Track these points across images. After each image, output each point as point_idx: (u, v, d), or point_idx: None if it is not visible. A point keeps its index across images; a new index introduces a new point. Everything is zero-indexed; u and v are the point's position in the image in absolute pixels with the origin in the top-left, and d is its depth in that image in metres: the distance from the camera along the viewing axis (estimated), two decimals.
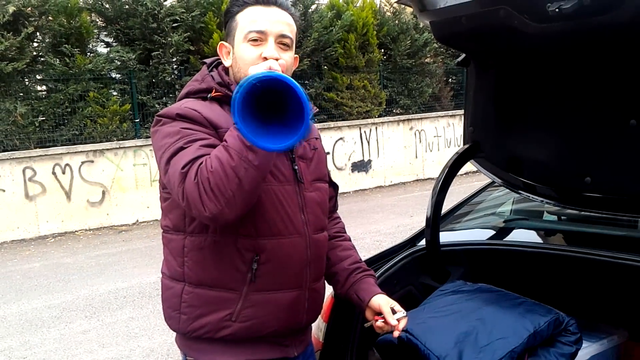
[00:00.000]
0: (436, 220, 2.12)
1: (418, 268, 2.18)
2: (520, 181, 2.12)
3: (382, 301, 1.67)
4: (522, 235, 2.39)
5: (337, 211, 1.93)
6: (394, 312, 1.62)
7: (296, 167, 1.63)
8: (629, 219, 2.25)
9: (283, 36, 1.57)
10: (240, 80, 1.40)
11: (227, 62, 1.63)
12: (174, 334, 1.70)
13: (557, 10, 1.56)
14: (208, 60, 1.70)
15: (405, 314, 1.62)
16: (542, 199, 2.12)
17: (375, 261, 2.11)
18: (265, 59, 1.52)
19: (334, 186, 1.87)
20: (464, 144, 2.20)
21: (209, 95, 1.60)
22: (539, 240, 2.41)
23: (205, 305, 1.58)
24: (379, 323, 1.63)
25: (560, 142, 1.97)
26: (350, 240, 1.89)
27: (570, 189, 1.98)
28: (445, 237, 2.24)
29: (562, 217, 2.54)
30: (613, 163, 1.86)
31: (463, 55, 2.10)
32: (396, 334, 1.62)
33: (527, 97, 1.98)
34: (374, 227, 8.01)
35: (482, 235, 2.45)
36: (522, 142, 2.05)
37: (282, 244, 1.57)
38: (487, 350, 1.72)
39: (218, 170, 1.38)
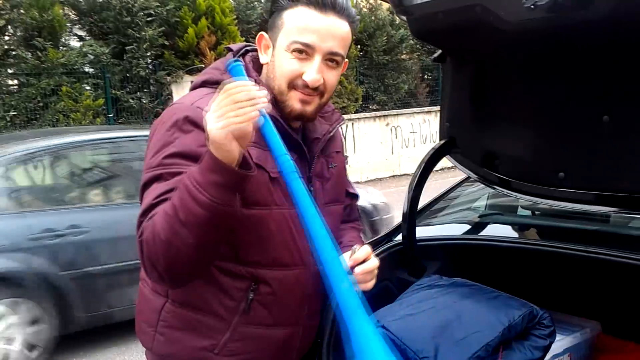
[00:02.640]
0: (412, 215, 2.13)
1: (394, 263, 2.19)
2: (495, 176, 2.14)
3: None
4: (497, 230, 2.42)
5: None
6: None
7: (311, 189, 1.46)
8: (601, 214, 2.28)
9: (333, 53, 1.39)
10: (273, 89, 1.37)
11: (263, 58, 1.45)
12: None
13: (532, 6, 1.58)
14: (235, 47, 1.51)
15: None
16: (516, 194, 2.15)
17: None
18: (305, 82, 1.37)
19: (352, 196, 1.74)
20: (440, 140, 2.21)
21: None
22: (513, 234, 2.44)
23: (186, 330, 1.41)
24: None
25: (535, 137, 1.99)
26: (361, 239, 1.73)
27: (544, 184, 2.01)
28: (421, 232, 2.25)
29: (536, 212, 2.58)
30: (586, 158, 1.88)
31: (439, 52, 2.11)
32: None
33: (502, 93, 2.00)
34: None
35: (457, 230, 2.47)
36: (497, 138, 2.07)
37: (286, 275, 1.42)
38: (463, 344, 1.74)
39: (149, 240, 1.23)
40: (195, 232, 1.20)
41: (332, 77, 1.41)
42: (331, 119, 1.58)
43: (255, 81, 1.34)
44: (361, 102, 12.97)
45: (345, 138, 12.37)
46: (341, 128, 1.65)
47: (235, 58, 1.40)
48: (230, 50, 1.51)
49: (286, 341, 1.47)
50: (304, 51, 1.36)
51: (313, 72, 1.36)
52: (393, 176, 12.91)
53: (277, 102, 1.41)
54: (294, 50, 1.36)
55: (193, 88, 1.47)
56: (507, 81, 1.98)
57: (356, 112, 12.75)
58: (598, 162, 1.85)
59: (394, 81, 13.53)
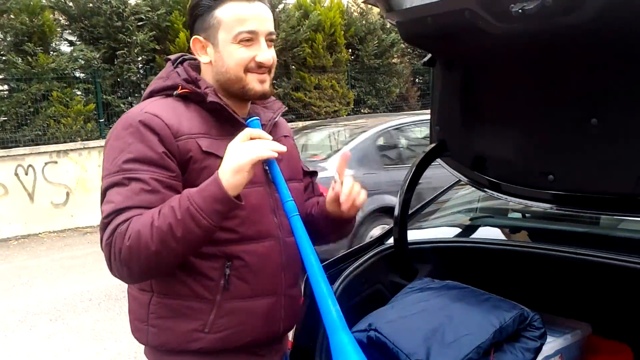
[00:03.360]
0: (404, 218, 2.14)
1: (386, 266, 2.19)
2: (485, 179, 2.15)
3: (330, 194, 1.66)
4: (488, 233, 2.43)
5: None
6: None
7: (266, 168, 1.56)
8: (591, 216, 2.30)
9: (271, 33, 1.55)
10: (228, 79, 1.50)
11: (203, 59, 1.56)
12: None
13: (520, 11, 1.59)
14: (173, 57, 1.65)
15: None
16: (506, 196, 2.16)
17: (344, 260, 2.12)
18: (260, 63, 1.51)
19: (310, 174, 1.85)
20: (431, 143, 2.22)
21: (175, 93, 1.53)
22: (504, 237, 2.46)
23: (174, 317, 1.50)
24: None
25: (524, 140, 2.00)
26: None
27: (533, 187, 2.02)
28: (412, 235, 2.26)
29: (527, 215, 2.59)
30: (575, 161, 1.90)
31: (429, 55, 2.13)
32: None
33: (491, 96, 2.02)
34: None
35: (449, 233, 2.48)
36: (487, 141, 2.09)
37: (256, 248, 1.52)
38: (454, 347, 1.74)
39: (133, 248, 1.35)
40: (187, 247, 1.37)
41: (274, 53, 1.57)
42: (273, 107, 1.71)
43: (196, 79, 1.54)
44: (353, 106, 13.01)
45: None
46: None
47: (254, 118, 1.55)
48: (169, 59, 1.64)
49: (269, 311, 1.56)
50: (250, 38, 1.50)
51: (265, 52, 1.52)
52: None
53: (231, 91, 1.56)
54: (241, 40, 1.49)
55: (143, 99, 1.59)
56: (496, 85, 1.99)
57: (348, 115, 12.78)
58: (586, 164, 1.87)
59: (385, 85, 13.57)
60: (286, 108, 1.79)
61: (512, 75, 1.94)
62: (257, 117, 1.53)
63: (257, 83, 1.54)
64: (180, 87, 1.52)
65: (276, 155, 1.40)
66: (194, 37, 1.56)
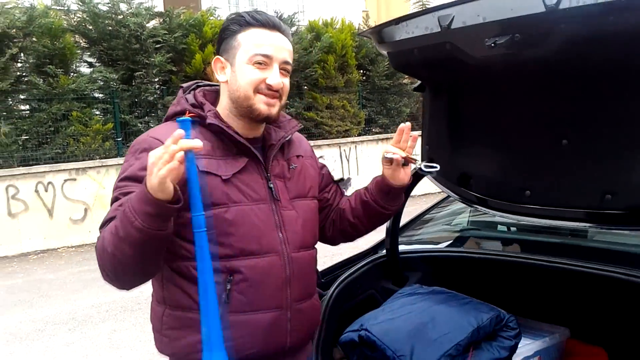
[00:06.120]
0: (395, 229, 2.33)
1: (379, 273, 2.38)
2: (472, 195, 2.34)
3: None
4: (473, 244, 2.61)
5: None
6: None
7: (271, 186, 1.64)
8: (566, 228, 2.48)
9: (286, 63, 1.63)
10: (238, 97, 1.59)
11: (221, 77, 1.65)
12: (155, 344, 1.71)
13: (492, 44, 1.80)
14: (185, 85, 1.75)
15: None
16: (490, 211, 2.35)
17: (340, 267, 2.32)
18: (269, 85, 1.59)
19: (335, 182, 1.95)
20: (421, 161, 2.42)
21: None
22: (490, 248, 2.64)
23: (182, 328, 1.58)
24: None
25: (503, 159, 2.19)
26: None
27: (513, 201, 2.21)
28: (404, 246, 2.45)
29: (511, 228, 2.77)
30: (549, 178, 2.08)
31: (419, 82, 2.34)
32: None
33: (473, 119, 2.21)
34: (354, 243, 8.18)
35: (437, 243, 2.67)
36: (471, 160, 2.27)
37: (257, 263, 1.57)
38: (435, 344, 1.93)
39: (99, 250, 1.46)
40: (132, 248, 1.39)
41: (287, 82, 1.65)
42: (287, 126, 1.78)
43: (201, 104, 1.63)
44: (364, 125, 13.21)
45: (348, 160, 12.58)
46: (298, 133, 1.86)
47: (185, 117, 1.46)
48: (181, 87, 1.74)
49: (273, 324, 1.59)
50: (264, 62, 1.59)
51: (275, 76, 1.60)
52: None
53: (240, 109, 1.63)
54: (255, 63, 1.59)
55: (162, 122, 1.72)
56: (476, 108, 2.19)
57: (359, 135, 12.99)
58: (559, 181, 2.05)
59: (395, 105, 13.78)
60: (301, 126, 1.88)
61: (490, 100, 2.14)
62: (188, 118, 1.42)
63: (263, 105, 1.60)
64: (187, 112, 1.60)
65: (174, 163, 1.31)
66: (216, 57, 1.66)
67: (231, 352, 1.47)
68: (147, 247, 1.40)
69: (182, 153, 1.32)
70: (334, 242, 1.95)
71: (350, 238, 1.96)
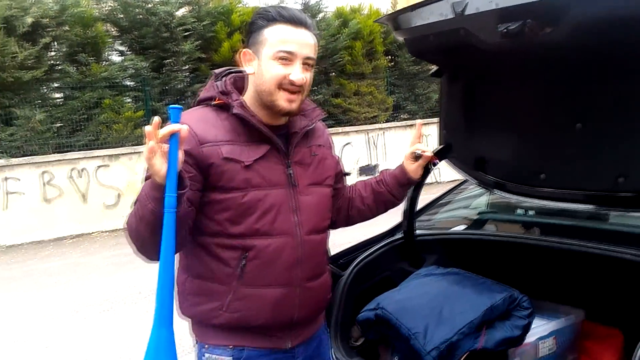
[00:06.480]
0: (412, 212, 2.39)
1: (396, 255, 2.44)
2: (488, 179, 2.38)
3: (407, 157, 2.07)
4: (491, 227, 2.65)
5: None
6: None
7: (291, 172, 1.73)
8: (582, 211, 2.50)
9: (309, 58, 1.69)
10: (263, 91, 1.68)
11: (248, 69, 1.72)
12: (185, 325, 1.84)
13: (505, 30, 1.83)
14: (217, 70, 1.83)
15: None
16: (509, 194, 2.38)
17: (358, 249, 2.38)
18: (292, 81, 1.66)
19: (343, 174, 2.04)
20: (439, 145, 2.47)
21: (212, 103, 1.72)
22: (507, 231, 2.68)
23: (201, 295, 1.73)
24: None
25: (519, 143, 2.22)
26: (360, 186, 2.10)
27: (528, 185, 2.24)
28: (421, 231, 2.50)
29: (528, 211, 2.80)
30: (563, 161, 2.11)
31: (436, 67, 2.38)
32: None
33: (487, 103, 2.25)
34: (377, 228, 8.25)
35: (454, 226, 2.72)
36: (486, 144, 2.31)
37: (270, 243, 1.68)
38: (449, 322, 1.99)
39: (127, 225, 1.62)
40: (148, 228, 1.53)
41: (309, 76, 1.71)
42: (311, 115, 1.86)
43: (230, 92, 1.71)
44: (391, 112, 13.17)
45: (376, 147, 12.57)
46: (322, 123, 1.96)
47: (176, 105, 1.56)
48: (213, 73, 1.82)
49: (282, 299, 1.71)
50: (287, 58, 1.66)
51: (298, 72, 1.67)
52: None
53: (264, 102, 1.71)
54: (279, 58, 1.65)
55: (192, 106, 1.80)
56: (491, 93, 2.22)
57: (387, 121, 12.96)
58: (572, 164, 2.08)
59: (424, 91, 13.68)
60: (325, 115, 1.95)
61: (506, 85, 2.17)
62: (180, 107, 1.51)
63: (284, 101, 1.68)
64: (216, 99, 1.72)
65: (150, 143, 1.42)
66: (244, 49, 1.73)
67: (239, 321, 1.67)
68: (158, 226, 1.49)
69: (161, 135, 1.42)
70: (334, 226, 2.04)
71: (353, 223, 2.09)
